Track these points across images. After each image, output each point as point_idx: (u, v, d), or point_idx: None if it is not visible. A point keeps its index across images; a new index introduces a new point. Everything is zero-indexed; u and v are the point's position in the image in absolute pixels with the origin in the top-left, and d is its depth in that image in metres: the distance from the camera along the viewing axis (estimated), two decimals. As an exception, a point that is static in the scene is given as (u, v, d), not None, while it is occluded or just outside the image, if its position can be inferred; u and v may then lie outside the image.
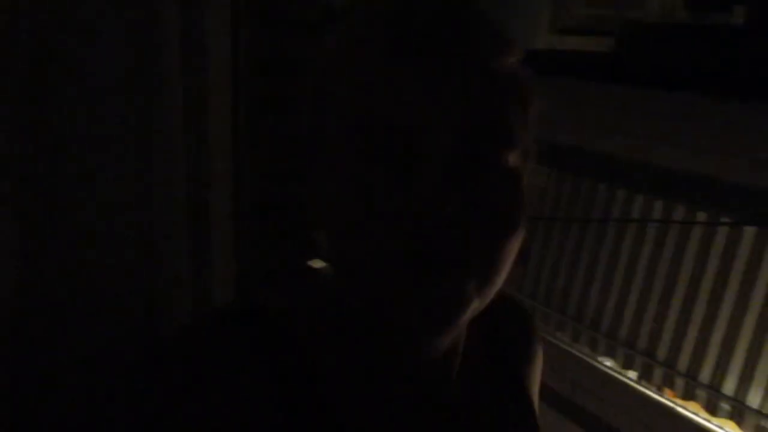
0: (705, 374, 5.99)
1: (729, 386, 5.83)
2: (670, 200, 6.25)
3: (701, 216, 5.90)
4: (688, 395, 6.31)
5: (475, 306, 0.52)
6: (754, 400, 5.60)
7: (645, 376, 6.70)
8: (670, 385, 6.34)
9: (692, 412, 6.17)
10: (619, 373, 5.94)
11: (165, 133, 1.22)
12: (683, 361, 6.20)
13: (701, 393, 6.09)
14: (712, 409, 5.97)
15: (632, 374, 6.95)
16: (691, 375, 6.07)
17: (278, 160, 1.22)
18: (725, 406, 5.93)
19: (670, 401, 6.33)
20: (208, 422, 0.48)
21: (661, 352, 6.30)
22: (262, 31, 1.18)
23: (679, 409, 6.33)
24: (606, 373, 6.26)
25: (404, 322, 0.50)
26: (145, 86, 1.20)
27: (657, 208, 6.31)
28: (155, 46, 1.20)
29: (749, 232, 5.50)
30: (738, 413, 5.78)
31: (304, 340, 0.55)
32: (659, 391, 6.58)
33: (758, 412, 5.58)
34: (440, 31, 0.49)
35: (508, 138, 0.51)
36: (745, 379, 5.74)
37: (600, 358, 6.38)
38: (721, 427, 5.60)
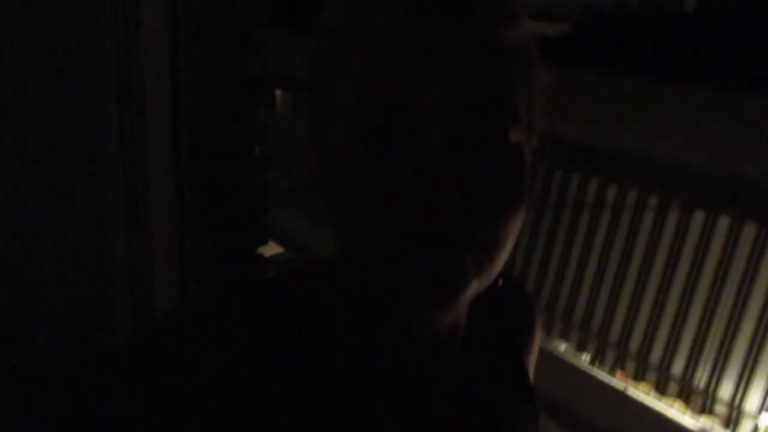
0: (655, 356, 6.16)
1: (678, 367, 6.01)
2: (622, 184, 6.37)
3: (653, 200, 6.02)
4: (638, 376, 6.49)
5: (475, 284, 0.50)
6: (700, 380, 5.79)
7: (598, 358, 6.86)
8: (622, 366, 6.50)
9: (643, 392, 6.34)
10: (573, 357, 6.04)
11: (99, 120, 1.11)
12: (634, 344, 6.36)
13: (651, 374, 6.26)
14: (662, 389, 6.15)
15: (585, 356, 7.11)
16: (642, 357, 6.23)
17: (222, 145, 1.13)
18: (674, 386, 6.11)
19: (621, 382, 6.49)
20: (224, 401, 0.47)
21: (613, 336, 6.45)
22: (201, 2, 1.09)
23: (631, 390, 6.50)
24: (558, 358, 6.36)
25: (403, 297, 0.49)
26: (79, 74, 1.09)
27: (610, 191, 6.43)
28: (87, 24, 1.08)
29: (699, 215, 5.63)
30: (686, 392, 5.96)
31: (312, 320, 0.54)
32: (611, 372, 6.74)
33: (705, 391, 5.78)
34: (445, 3, 0.47)
35: (512, 113, 0.48)
36: (693, 360, 5.92)
37: (554, 343, 6.49)
38: (670, 406, 5.78)
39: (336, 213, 0.51)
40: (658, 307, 6.00)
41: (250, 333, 0.50)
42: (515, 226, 0.51)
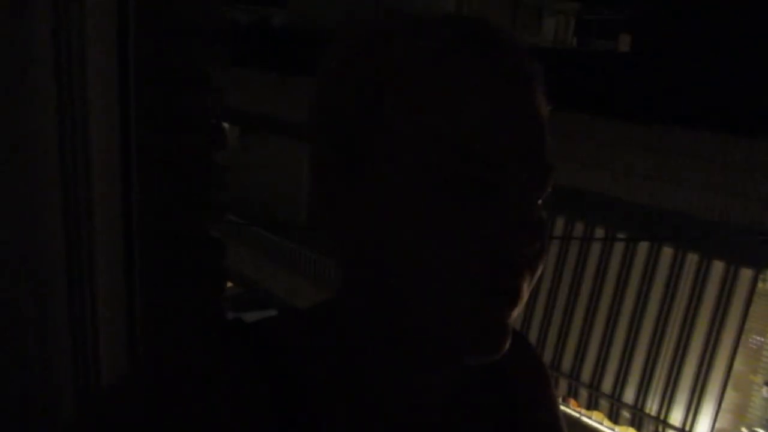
0: (607, 384, 6.26)
1: (629, 395, 6.11)
2: (568, 217, 6.54)
3: (599, 233, 6.20)
4: (591, 405, 6.57)
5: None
6: (652, 406, 5.90)
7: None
8: (575, 395, 6.57)
9: (596, 421, 6.42)
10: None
11: (40, 174, 1.06)
12: (586, 373, 6.45)
13: (604, 403, 6.35)
14: (615, 418, 6.23)
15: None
16: (594, 386, 6.32)
17: (177, 191, 1.09)
18: (626, 414, 6.21)
19: (575, 411, 6.56)
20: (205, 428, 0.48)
21: (565, 365, 6.53)
22: (152, 40, 1.06)
23: (584, 419, 6.57)
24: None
25: (462, 346, 0.50)
26: (16, 126, 1.04)
27: (558, 224, 6.59)
28: (25, 50, 1.04)
29: (644, 247, 5.82)
30: (638, 420, 6.06)
31: (302, 365, 0.53)
32: (564, 402, 6.81)
33: (656, 418, 5.88)
34: (526, 66, 0.50)
35: (553, 169, 0.51)
36: (644, 387, 6.03)
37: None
38: (623, 435, 5.85)
39: (383, 264, 0.51)
40: (608, 337, 6.12)
41: (235, 377, 0.50)
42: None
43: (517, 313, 0.50)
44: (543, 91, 0.51)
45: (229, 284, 10.07)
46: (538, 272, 0.51)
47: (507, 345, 0.50)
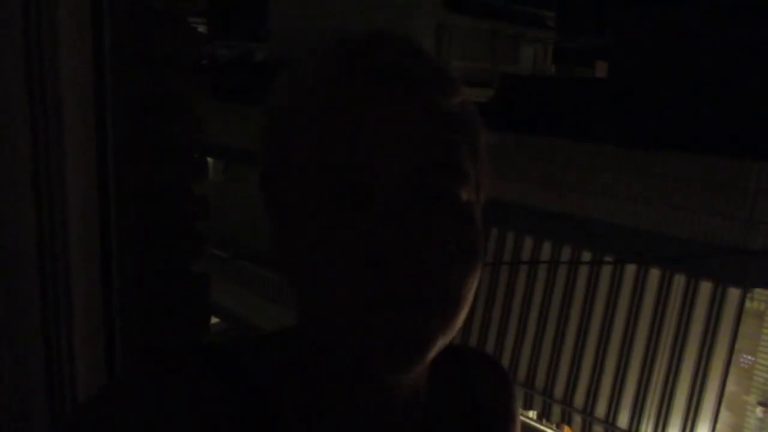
0: (600, 410, 6.20)
1: (623, 420, 6.05)
2: (556, 241, 6.55)
3: (586, 256, 6.21)
4: (584, 431, 6.49)
5: (440, 342, 0.51)
6: (647, 431, 5.84)
7: (544, 415, 6.85)
8: (569, 422, 6.50)
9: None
10: (521, 414, 6.00)
11: (13, 218, 1.02)
12: (579, 399, 6.39)
13: (598, 428, 6.28)
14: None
15: (532, 414, 7.08)
16: (588, 412, 6.26)
17: (156, 225, 1.05)
18: (621, 439, 6.14)
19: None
20: None
21: (558, 391, 6.47)
22: (129, 69, 1.03)
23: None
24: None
25: (367, 359, 0.50)
26: None
27: (545, 248, 6.59)
28: None
29: (631, 269, 5.82)
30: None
31: (267, 386, 0.54)
32: (558, 429, 6.72)
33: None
34: (388, 72, 0.51)
35: (460, 173, 0.51)
36: (638, 412, 5.98)
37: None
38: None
39: (296, 280, 0.53)
40: (599, 361, 6.08)
41: (199, 396, 0.50)
42: (474, 283, 0.52)
43: (440, 326, 0.50)
44: (442, 95, 0.52)
45: (215, 320, 9.94)
46: (460, 283, 0.50)
47: (416, 359, 0.49)
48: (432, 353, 0.51)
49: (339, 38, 0.55)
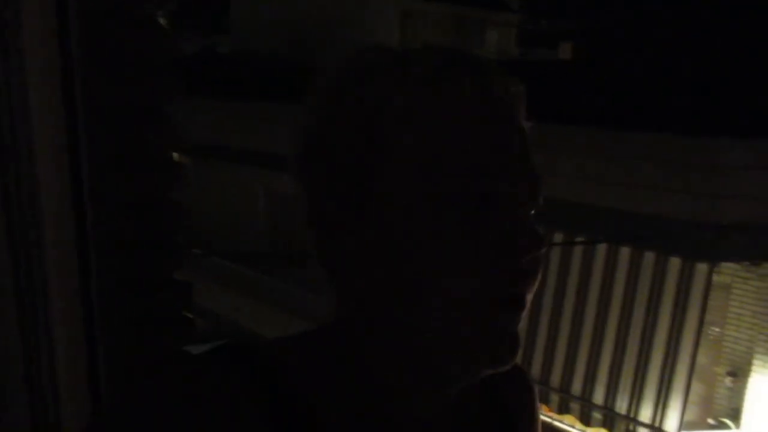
0: (576, 387, 6.32)
1: (599, 396, 6.18)
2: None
3: (558, 237, 6.30)
4: (562, 409, 6.62)
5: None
6: (622, 405, 5.98)
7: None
8: (545, 401, 6.62)
9: (568, 424, 6.47)
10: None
11: None
12: (555, 378, 6.51)
13: (575, 405, 6.41)
14: (586, 420, 6.29)
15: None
16: (564, 390, 6.38)
17: (136, 233, 1.03)
18: (597, 416, 6.28)
19: (547, 416, 6.60)
20: None
21: (534, 372, 6.58)
22: (99, 73, 1.00)
23: (556, 423, 6.61)
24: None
25: (483, 359, 0.52)
26: None
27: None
28: None
29: (602, 248, 5.93)
30: (609, 420, 6.13)
31: (303, 386, 0.54)
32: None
33: (627, 417, 5.96)
34: (507, 84, 0.53)
35: (541, 179, 0.55)
36: (613, 387, 6.12)
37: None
38: (596, 436, 5.91)
39: (390, 283, 0.52)
40: (574, 340, 6.19)
41: (235, 396, 0.50)
42: None
43: (521, 320, 0.53)
44: (525, 108, 0.55)
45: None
46: (538, 280, 0.53)
47: (516, 355, 0.53)
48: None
49: (425, 46, 0.55)
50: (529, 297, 0.53)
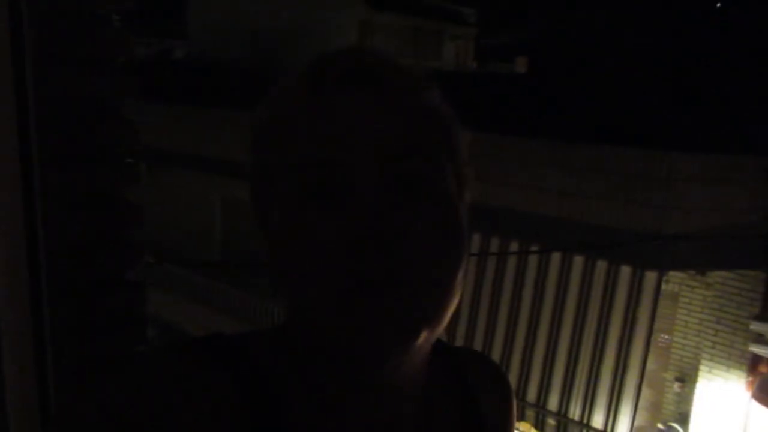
0: (531, 394, 6.41)
1: (553, 402, 6.29)
2: (484, 233, 6.72)
3: (514, 246, 6.39)
4: (519, 416, 6.70)
5: (425, 332, 0.52)
6: (575, 412, 6.09)
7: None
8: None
9: (524, 431, 6.55)
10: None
11: None
12: (512, 384, 6.58)
13: (530, 412, 6.50)
14: (541, 426, 6.39)
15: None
16: (520, 397, 6.46)
17: (87, 234, 0.99)
18: (551, 422, 6.38)
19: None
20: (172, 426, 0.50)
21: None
22: (52, 70, 0.97)
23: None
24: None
25: (353, 349, 0.51)
26: None
27: (475, 240, 6.74)
28: None
29: (556, 257, 6.05)
30: (563, 426, 6.24)
31: (269, 368, 0.56)
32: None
33: (580, 423, 6.08)
34: (355, 75, 0.54)
35: (430, 159, 0.54)
36: (566, 394, 6.23)
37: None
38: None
39: (281, 281, 0.54)
40: (529, 347, 6.29)
41: (204, 381, 0.52)
42: (460, 270, 0.54)
43: (431, 308, 0.51)
44: (407, 90, 0.55)
45: (142, 328, 9.58)
46: (445, 264, 0.52)
47: (405, 342, 0.51)
48: (418, 341, 0.52)
49: (319, 53, 0.58)
50: (406, 279, 0.50)
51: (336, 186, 0.52)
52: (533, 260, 6.14)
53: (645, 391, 5.94)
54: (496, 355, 6.61)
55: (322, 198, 0.52)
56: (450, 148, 0.57)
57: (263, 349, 0.57)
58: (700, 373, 6.24)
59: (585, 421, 5.93)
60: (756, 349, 5.77)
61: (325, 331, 0.51)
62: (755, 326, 5.76)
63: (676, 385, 6.62)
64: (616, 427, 5.72)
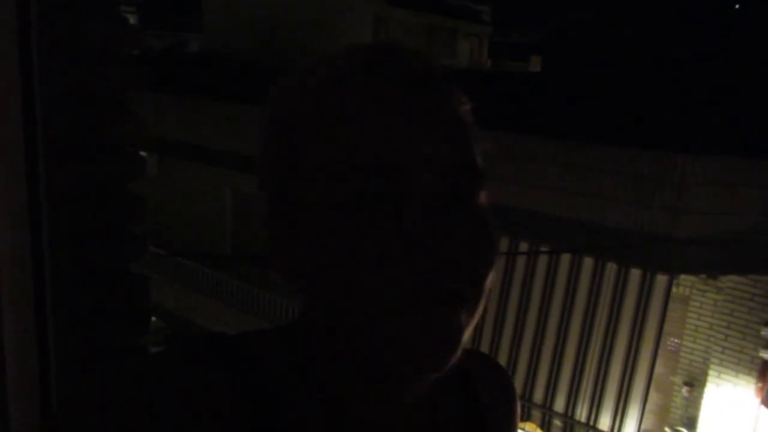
0: (538, 395, 6.39)
1: (560, 403, 6.26)
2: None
3: (523, 246, 6.37)
4: (524, 416, 6.69)
5: (466, 339, 0.53)
6: (582, 413, 6.07)
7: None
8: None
9: (529, 431, 6.54)
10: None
11: None
12: (518, 386, 6.57)
13: (536, 413, 6.48)
14: (547, 427, 6.37)
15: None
16: (526, 397, 6.44)
17: (91, 226, 0.99)
18: (558, 423, 6.36)
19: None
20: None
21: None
22: (59, 63, 0.97)
23: (518, 430, 6.67)
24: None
25: (405, 358, 0.51)
26: None
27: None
28: None
29: (566, 258, 6.02)
30: (569, 427, 6.21)
31: (274, 379, 0.54)
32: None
33: (586, 425, 6.05)
34: (417, 80, 0.53)
35: (480, 176, 0.54)
36: (573, 395, 6.20)
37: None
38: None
39: (319, 283, 0.52)
40: (537, 348, 6.26)
41: (207, 386, 0.51)
42: (491, 281, 0.54)
43: (467, 321, 0.51)
44: (457, 102, 0.55)
45: (152, 318, 9.66)
46: (484, 278, 0.52)
47: (452, 354, 0.50)
48: (461, 350, 0.52)
49: (351, 47, 0.56)
50: (473, 295, 0.51)
51: (395, 193, 0.51)
52: (542, 261, 6.11)
53: (653, 395, 5.90)
54: (503, 355, 6.59)
55: (379, 204, 0.50)
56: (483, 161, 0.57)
57: (265, 349, 0.56)
58: (709, 378, 6.18)
59: (591, 423, 5.90)
60: (767, 355, 5.71)
61: (374, 338, 0.51)
62: (767, 332, 5.70)
63: (684, 389, 6.56)
64: (622, 430, 5.69)
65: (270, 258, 0.56)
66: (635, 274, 5.57)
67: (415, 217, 0.50)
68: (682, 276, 5.93)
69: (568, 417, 6.07)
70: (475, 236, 0.52)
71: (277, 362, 0.55)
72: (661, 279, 5.46)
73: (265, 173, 0.56)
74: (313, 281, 0.53)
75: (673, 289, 5.59)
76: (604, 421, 5.80)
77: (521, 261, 6.23)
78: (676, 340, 6.61)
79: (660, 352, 5.68)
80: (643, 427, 5.69)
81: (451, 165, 0.52)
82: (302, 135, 0.54)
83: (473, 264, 0.51)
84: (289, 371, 0.55)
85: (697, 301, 6.39)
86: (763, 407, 5.62)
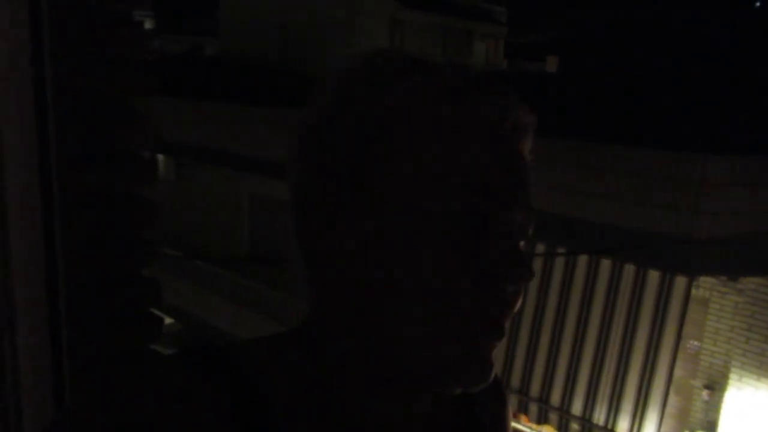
0: (555, 397, 6.34)
1: (577, 407, 6.21)
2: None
3: (540, 248, 6.33)
4: (541, 419, 6.64)
5: None
6: (600, 417, 6.00)
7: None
8: (524, 411, 6.63)
9: (546, 435, 6.49)
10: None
11: None
12: (535, 388, 6.53)
13: (553, 416, 6.43)
14: (564, 430, 6.31)
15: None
16: (543, 400, 6.39)
17: (104, 231, 1.00)
18: (575, 426, 6.30)
19: (526, 426, 6.61)
20: None
21: (514, 382, 6.59)
22: (71, 68, 0.98)
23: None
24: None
25: (453, 380, 0.52)
26: None
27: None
28: None
29: (583, 260, 5.96)
30: (587, 431, 6.15)
31: (269, 389, 0.53)
32: (515, 418, 6.86)
33: (605, 428, 5.99)
34: (520, 112, 0.54)
35: (535, 215, 0.55)
36: (591, 398, 6.14)
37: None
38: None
39: (377, 297, 0.52)
40: (554, 350, 6.21)
41: (198, 399, 0.50)
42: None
43: (497, 347, 0.52)
44: (533, 140, 0.57)
45: (169, 320, 9.74)
46: (517, 309, 0.53)
47: (491, 378, 0.52)
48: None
49: (447, 61, 0.55)
50: (507, 325, 0.53)
51: (479, 217, 0.50)
52: (560, 263, 6.06)
53: (672, 398, 5.82)
54: (520, 357, 6.55)
55: (474, 225, 0.50)
56: None
57: (259, 359, 0.55)
58: (730, 381, 6.09)
59: (610, 426, 5.83)
60: (789, 358, 5.61)
61: (420, 352, 0.51)
62: (789, 335, 5.60)
63: (704, 393, 6.47)
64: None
65: (306, 252, 0.55)
66: (654, 276, 5.50)
67: (492, 247, 0.50)
68: (702, 278, 5.85)
69: (586, 420, 6.01)
70: (530, 270, 0.52)
71: (267, 372, 0.54)
72: (681, 281, 5.39)
73: (329, 167, 0.53)
74: (362, 281, 0.52)
75: (693, 291, 5.51)
76: (623, 425, 5.73)
77: (537, 264, 6.19)
78: (695, 343, 6.51)
79: (679, 354, 5.61)
80: (662, 430, 5.61)
81: (527, 198, 0.53)
82: (394, 139, 0.52)
83: (516, 301, 0.53)
84: (280, 381, 0.54)
85: (717, 304, 6.30)
86: (785, 411, 5.53)
